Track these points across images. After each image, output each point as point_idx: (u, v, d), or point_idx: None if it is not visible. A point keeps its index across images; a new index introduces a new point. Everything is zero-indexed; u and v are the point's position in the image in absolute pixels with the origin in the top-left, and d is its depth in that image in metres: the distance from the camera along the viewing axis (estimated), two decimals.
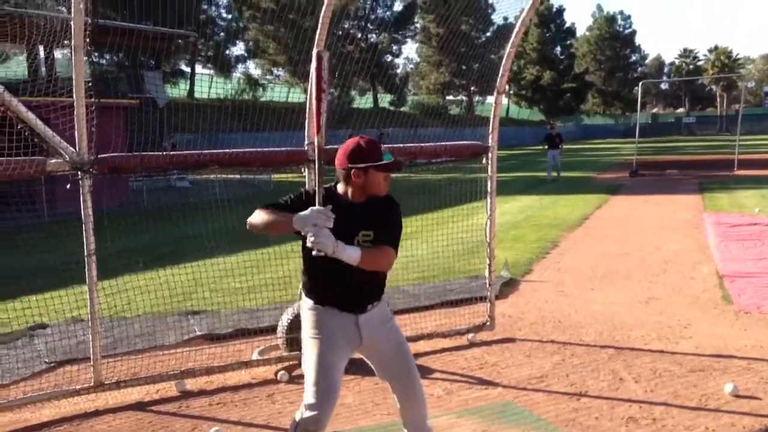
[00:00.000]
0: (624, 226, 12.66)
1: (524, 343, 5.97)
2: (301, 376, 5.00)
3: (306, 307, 3.29)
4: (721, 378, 4.94)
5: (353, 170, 3.10)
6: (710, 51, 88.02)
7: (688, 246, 10.37)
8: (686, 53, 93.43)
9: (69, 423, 4.46)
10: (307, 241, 2.90)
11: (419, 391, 3.47)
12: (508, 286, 8.02)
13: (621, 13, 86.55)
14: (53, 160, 4.51)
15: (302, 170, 5.38)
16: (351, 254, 2.96)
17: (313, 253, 2.91)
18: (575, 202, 16.76)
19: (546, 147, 24.20)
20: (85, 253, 4.65)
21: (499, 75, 5.90)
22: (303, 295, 3.34)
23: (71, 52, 4.35)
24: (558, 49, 77.17)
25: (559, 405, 4.57)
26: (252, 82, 43.53)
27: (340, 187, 3.20)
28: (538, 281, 8.38)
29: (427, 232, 6.74)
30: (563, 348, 5.78)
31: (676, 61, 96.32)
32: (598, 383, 4.95)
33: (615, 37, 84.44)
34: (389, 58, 57.14)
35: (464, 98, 57.21)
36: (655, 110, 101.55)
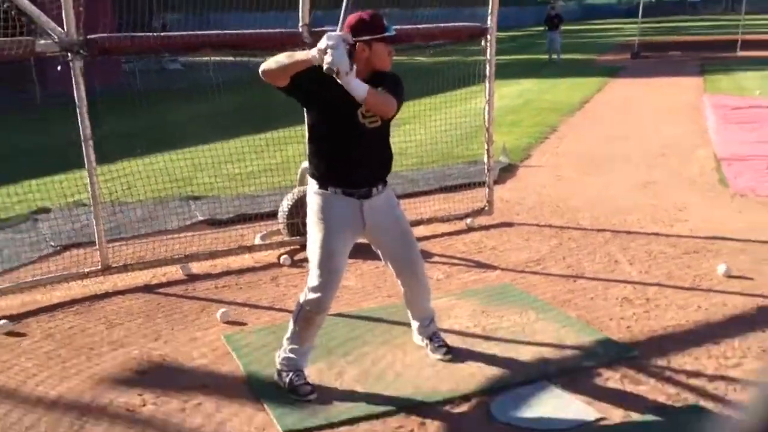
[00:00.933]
0: (624, 110, 12.53)
1: (522, 227, 6.05)
2: (303, 260, 5.11)
3: (311, 191, 3.28)
4: (714, 259, 5.05)
5: (358, 43, 3.03)
6: None
7: (688, 129, 10.32)
8: None
9: (80, 304, 4.58)
10: (324, 59, 2.83)
11: (423, 277, 3.56)
12: (507, 171, 8.03)
13: None
14: (42, 41, 4.36)
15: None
16: (359, 86, 2.92)
17: (324, 68, 2.83)
18: (575, 85, 16.49)
19: (546, 29, 23.50)
20: (82, 138, 4.60)
21: None
22: (308, 178, 3.33)
23: None
24: None
25: (556, 287, 4.70)
26: None
27: None
28: (536, 166, 8.39)
29: (424, 117, 6.65)
30: (561, 232, 5.87)
31: None
32: (594, 265, 5.07)
33: None
34: None
35: None
36: None
